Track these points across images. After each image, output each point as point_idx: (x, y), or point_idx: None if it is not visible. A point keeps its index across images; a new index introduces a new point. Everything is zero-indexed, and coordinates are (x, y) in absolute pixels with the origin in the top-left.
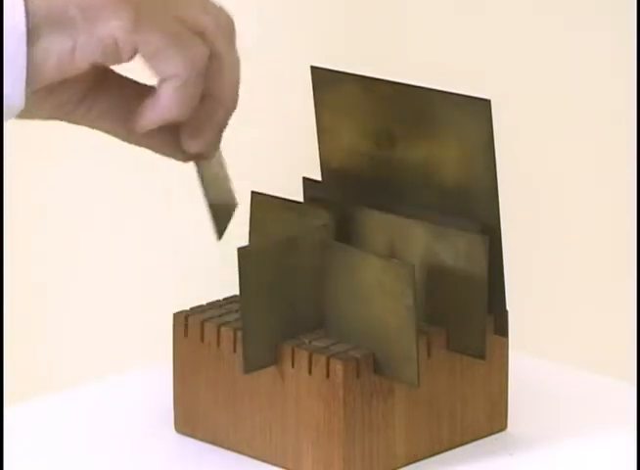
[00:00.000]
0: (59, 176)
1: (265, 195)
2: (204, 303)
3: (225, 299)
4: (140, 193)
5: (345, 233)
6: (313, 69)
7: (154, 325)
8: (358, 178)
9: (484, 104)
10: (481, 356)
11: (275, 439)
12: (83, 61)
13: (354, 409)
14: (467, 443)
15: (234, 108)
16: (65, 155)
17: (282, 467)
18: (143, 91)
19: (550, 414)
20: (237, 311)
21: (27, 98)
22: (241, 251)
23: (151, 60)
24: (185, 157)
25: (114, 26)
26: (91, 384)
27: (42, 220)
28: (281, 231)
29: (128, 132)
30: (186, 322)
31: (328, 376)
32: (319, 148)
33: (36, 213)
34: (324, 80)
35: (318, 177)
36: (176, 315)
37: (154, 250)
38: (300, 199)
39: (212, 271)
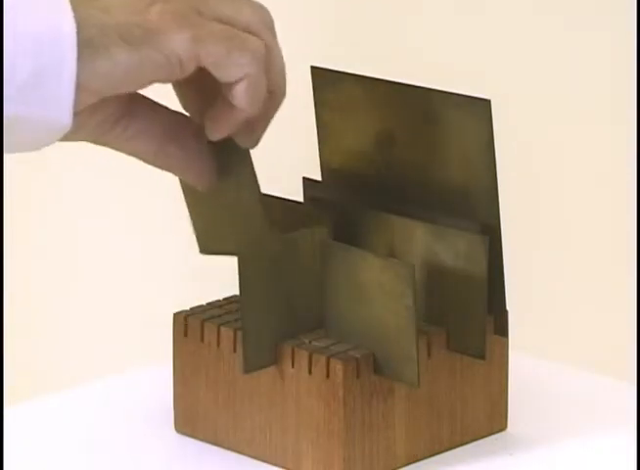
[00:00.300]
0: (59, 176)
1: (265, 195)
2: (204, 303)
3: (225, 299)
4: (140, 192)
5: (345, 233)
6: (313, 69)
7: (154, 325)
8: (358, 178)
9: (484, 104)
10: (481, 356)
11: (275, 439)
12: (148, 76)
13: (354, 409)
14: (467, 443)
15: (285, 95)
16: (66, 154)
17: (282, 467)
18: (173, 115)
19: (550, 414)
20: (237, 311)
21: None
22: None
23: (216, 68)
24: (205, 184)
25: (176, 43)
26: (91, 384)
27: (43, 219)
28: (281, 231)
29: (156, 154)
30: (186, 322)
31: (328, 376)
32: (319, 148)
33: (37, 213)
34: (324, 80)
35: (318, 177)
36: (176, 315)
37: (154, 250)
38: (300, 199)
39: (212, 271)
